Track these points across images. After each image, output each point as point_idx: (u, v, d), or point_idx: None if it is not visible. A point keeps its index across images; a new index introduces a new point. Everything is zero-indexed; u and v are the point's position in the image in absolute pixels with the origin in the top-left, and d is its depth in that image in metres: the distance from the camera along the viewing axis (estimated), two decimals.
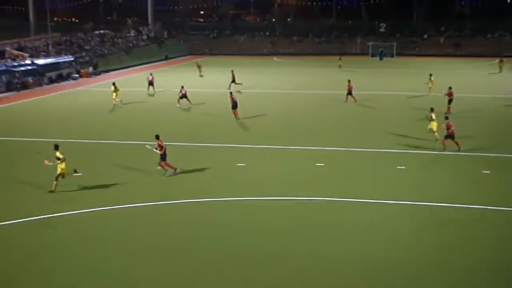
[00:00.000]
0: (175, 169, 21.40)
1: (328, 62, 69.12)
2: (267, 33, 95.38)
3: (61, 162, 19.21)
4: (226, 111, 33.80)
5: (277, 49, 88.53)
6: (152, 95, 42.89)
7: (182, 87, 37.95)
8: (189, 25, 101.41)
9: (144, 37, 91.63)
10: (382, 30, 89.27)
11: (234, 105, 32.76)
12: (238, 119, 32.41)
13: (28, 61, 54.95)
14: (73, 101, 41.26)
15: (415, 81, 48.16)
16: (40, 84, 50.91)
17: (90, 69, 61.01)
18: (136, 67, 68.33)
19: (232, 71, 46.98)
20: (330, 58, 72.80)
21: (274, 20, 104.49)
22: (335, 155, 24.50)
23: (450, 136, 24.66)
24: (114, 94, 38.06)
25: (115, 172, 22.20)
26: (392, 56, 79.30)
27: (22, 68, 51.43)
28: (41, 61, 55.34)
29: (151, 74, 45.56)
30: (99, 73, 61.38)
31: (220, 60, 77.40)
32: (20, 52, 64.17)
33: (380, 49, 78.52)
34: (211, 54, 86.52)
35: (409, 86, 46.67)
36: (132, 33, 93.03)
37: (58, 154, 19.30)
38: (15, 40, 70.02)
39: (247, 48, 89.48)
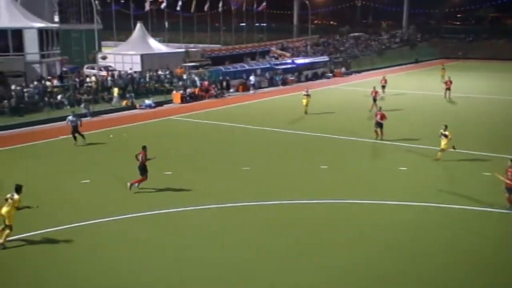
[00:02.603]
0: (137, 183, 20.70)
1: None
2: None
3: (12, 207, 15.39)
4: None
5: None
6: (382, 99, 43.82)
7: (374, 88, 38.65)
8: (443, 28, 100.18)
9: (397, 39, 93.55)
10: None
11: (378, 124, 28.83)
12: (378, 139, 28.86)
13: (288, 60, 61.61)
14: (326, 97, 45.48)
15: None
16: (298, 81, 56.77)
17: (343, 69, 65.35)
18: (387, 69, 70.29)
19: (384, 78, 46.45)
20: None
21: None
22: None
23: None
24: (305, 100, 37.34)
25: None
26: None
27: (283, 66, 57.78)
28: (299, 61, 61.38)
29: (384, 78, 47.18)
30: (350, 73, 65.42)
31: (472, 65, 75.61)
32: (283, 52, 71.90)
33: None
34: (465, 58, 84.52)
35: None
36: (386, 35, 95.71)
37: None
38: (279, 41, 78.47)
39: (506, 53, 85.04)
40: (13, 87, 38.07)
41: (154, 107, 40.95)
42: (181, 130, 33.29)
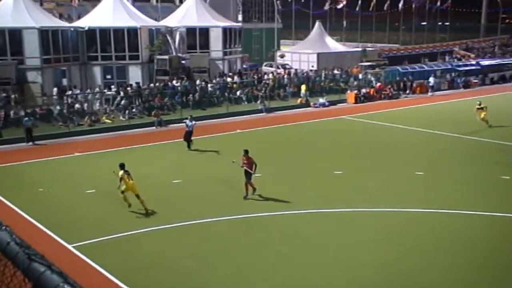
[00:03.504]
0: (246, 195, 19.37)
1: None
2: None
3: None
4: None
5: None
6: None
7: None
8: None
9: None
10: None
11: None
12: None
13: (472, 61, 57.82)
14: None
15: None
16: (482, 84, 52.99)
17: None
18: None
19: None
20: None
21: None
22: None
23: None
24: (482, 114, 32.00)
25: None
26: None
27: (466, 68, 54.35)
28: (485, 62, 57.30)
29: None
30: None
31: None
32: (467, 53, 67.68)
33: None
34: None
35: None
36: None
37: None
38: (463, 41, 74.08)
39: None
40: (197, 82, 40.76)
41: (327, 106, 41.07)
42: (351, 130, 32.93)
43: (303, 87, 42.65)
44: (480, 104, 32.57)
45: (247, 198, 19.26)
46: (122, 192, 18.08)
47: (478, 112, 32.30)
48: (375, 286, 13.24)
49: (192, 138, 27.08)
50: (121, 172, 18.10)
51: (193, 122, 27.25)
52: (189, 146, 26.81)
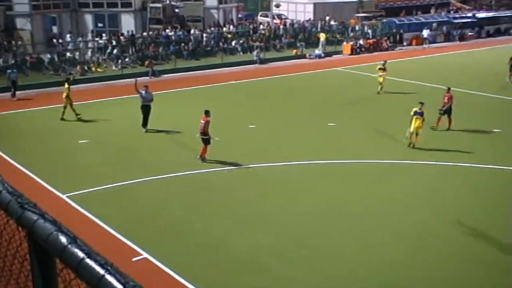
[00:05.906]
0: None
1: None
2: None
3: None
4: None
5: None
6: None
7: None
8: None
9: None
10: None
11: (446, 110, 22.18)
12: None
13: (469, 14, 57.15)
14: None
15: None
16: (478, 37, 52.54)
17: None
18: None
19: None
20: None
21: None
22: None
23: None
24: (381, 77, 28.40)
25: None
26: None
27: (462, 20, 53.77)
28: (481, 15, 56.64)
29: None
30: None
31: None
32: (463, 5, 66.81)
33: None
34: None
35: None
36: None
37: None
38: None
39: None
40: (192, 31, 40.07)
41: (323, 58, 40.69)
42: (345, 81, 32.70)
43: (323, 35, 42.16)
44: (383, 65, 28.61)
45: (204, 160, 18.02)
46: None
47: (379, 74, 28.50)
48: (366, 235, 13.39)
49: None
50: (66, 85, 22.80)
51: (151, 94, 21.46)
52: (145, 125, 21.46)
